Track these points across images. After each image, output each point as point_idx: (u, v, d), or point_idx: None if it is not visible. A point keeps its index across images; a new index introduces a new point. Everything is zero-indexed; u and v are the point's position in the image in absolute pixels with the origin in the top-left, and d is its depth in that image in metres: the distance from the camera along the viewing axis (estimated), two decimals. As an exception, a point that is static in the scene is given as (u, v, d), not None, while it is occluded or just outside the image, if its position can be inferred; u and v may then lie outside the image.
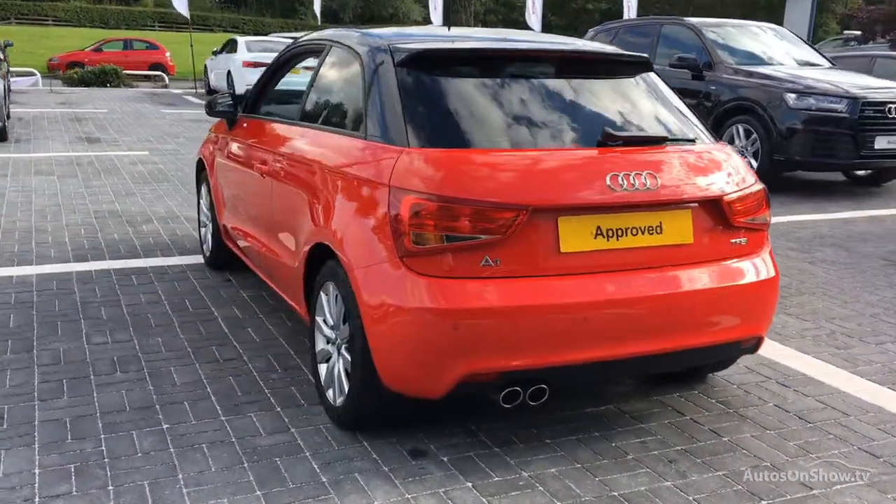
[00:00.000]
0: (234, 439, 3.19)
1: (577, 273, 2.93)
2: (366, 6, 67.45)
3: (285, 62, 4.63)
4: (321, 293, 3.39)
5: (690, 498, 2.85)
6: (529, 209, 2.85)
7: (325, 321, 3.41)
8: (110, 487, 2.84)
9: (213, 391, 3.62)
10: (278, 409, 3.47)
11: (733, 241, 3.23)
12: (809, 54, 10.40)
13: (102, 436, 3.20)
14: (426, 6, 73.27)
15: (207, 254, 5.56)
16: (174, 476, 2.92)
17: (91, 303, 4.77)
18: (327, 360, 3.43)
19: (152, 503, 2.75)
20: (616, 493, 2.87)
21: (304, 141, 3.73)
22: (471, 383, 2.88)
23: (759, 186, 3.33)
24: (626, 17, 24.66)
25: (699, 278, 3.09)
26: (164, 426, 3.29)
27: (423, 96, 3.17)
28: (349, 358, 3.13)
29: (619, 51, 3.91)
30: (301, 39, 4.51)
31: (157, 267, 5.54)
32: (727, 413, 3.53)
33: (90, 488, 2.83)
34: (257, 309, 4.73)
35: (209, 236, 5.52)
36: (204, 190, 5.59)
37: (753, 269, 3.25)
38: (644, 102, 3.46)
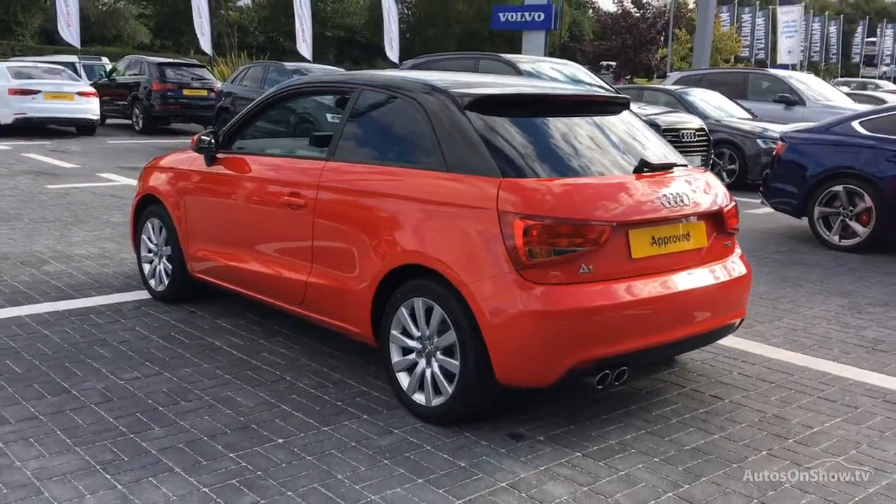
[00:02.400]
0: (354, 444, 3.56)
1: (644, 274, 3.67)
2: (85, 27, 63.60)
3: (275, 102, 4.92)
4: (401, 309, 3.84)
5: (740, 444, 3.69)
6: (614, 224, 3.54)
7: (404, 334, 3.86)
8: (290, 493, 3.13)
9: (291, 409, 3.91)
10: (365, 416, 3.85)
11: (725, 244, 4.13)
12: (602, 85, 11.95)
13: (231, 455, 3.43)
14: (152, 29, 69.54)
15: (159, 288, 5.61)
16: (336, 477, 3.26)
17: (78, 343, 4.74)
18: (408, 369, 3.88)
19: (336, 498, 3.10)
20: (688, 447, 3.63)
21: (360, 175, 4.12)
22: (576, 371, 3.51)
23: (734, 201, 4.26)
24: (388, 50, 25.94)
25: (718, 274, 3.96)
26: (280, 440, 3.58)
27: (494, 134, 3.77)
28: (454, 362, 3.62)
29: (618, 94, 4.69)
30: (297, 82, 4.83)
31: (108, 305, 5.51)
32: (712, 381, 4.43)
33: (272, 495, 3.11)
34: (251, 335, 4.96)
35: (161, 270, 5.58)
36: (151, 225, 5.63)
37: (739, 265, 4.17)
38: (641, 134, 4.27)
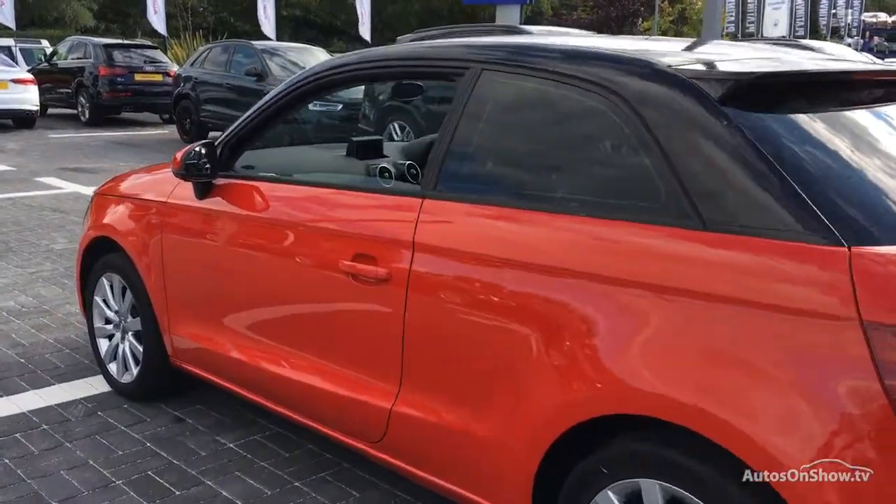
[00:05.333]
0: None
1: None
2: (24, 9, 59.96)
3: (307, 95, 2.99)
4: (608, 495, 1.99)
5: None
6: None
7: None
8: None
9: None
10: None
11: None
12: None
13: None
14: (96, 13, 67.06)
15: (124, 379, 3.69)
16: None
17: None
18: None
19: None
20: None
21: (501, 231, 2.24)
22: None
23: None
24: (360, 27, 23.92)
25: None
26: None
27: (796, 153, 1.92)
28: None
29: None
30: (347, 61, 2.88)
31: (45, 409, 3.56)
32: None
33: None
34: (283, 474, 3.07)
35: (127, 352, 3.66)
36: (108, 282, 3.70)
37: None
38: None
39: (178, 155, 3.02)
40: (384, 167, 3.46)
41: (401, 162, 3.61)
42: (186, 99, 14.31)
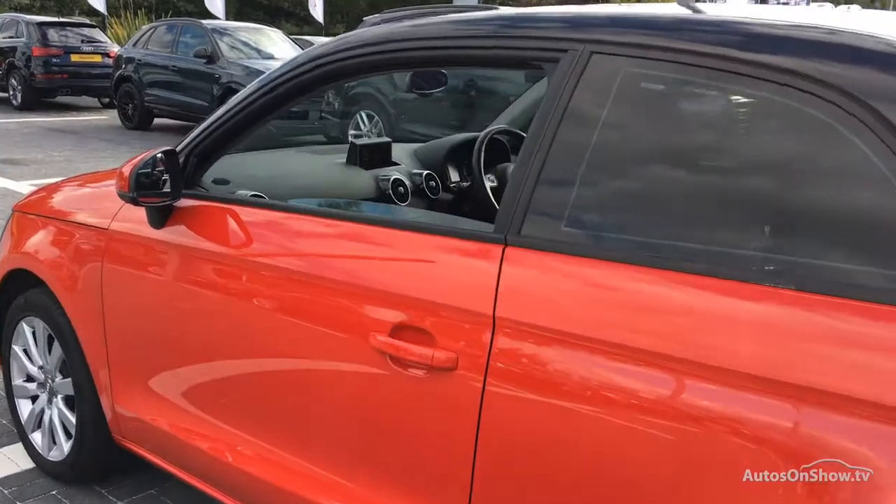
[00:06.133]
0: None
1: None
2: (-47, -13, 57.09)
3: (308, 87, 2.13)
4: None
5: None
6: None
7: None
8: None
9: None
10: None
11: None
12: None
13: None
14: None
15: (52, 455, 2.81)
16: None
17: None
18: None
19: None
20: None
21: (647, 312, 1.42)
22: None
23: None
24: (311, 6, 22.95)
25: None
26: None
27: None
28: None
29: None
30: (371, 39, 2.03)
31: (-57, 502, 2.68)
32: None
33: None
34: None
35: (56, 420, 2.79)
36: (31, 329, 2.82)
37: None
38: None
39: (125, 169, 2.14)
40: (398, 179, 2.65)
41: (416, 172, 2.80)
42: (128, 82, 13.21)
